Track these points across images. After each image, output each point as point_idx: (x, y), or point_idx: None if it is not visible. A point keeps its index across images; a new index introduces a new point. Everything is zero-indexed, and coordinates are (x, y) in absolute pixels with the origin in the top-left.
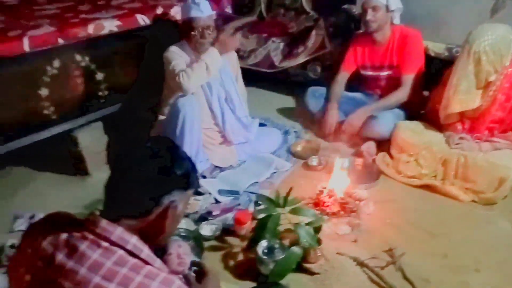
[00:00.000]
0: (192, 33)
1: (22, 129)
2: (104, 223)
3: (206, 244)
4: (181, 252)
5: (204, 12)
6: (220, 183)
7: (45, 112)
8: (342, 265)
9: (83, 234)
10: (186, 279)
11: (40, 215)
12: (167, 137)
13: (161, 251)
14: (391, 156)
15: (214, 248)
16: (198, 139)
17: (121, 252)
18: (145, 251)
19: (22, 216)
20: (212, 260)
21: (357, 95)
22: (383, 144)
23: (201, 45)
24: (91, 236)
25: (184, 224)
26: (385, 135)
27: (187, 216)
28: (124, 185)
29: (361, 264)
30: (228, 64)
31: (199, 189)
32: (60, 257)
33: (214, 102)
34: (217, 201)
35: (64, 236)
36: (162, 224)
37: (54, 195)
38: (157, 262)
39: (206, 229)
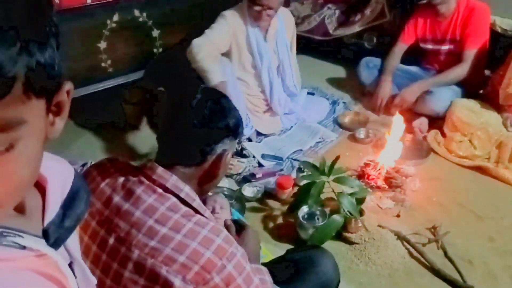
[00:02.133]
0: (255, 8)
1: (82, 79)
2: (160, 170)
3: (248, 205)
4: (217, 206)
5: None
6: (265, 147)
7: (103, 64)
8: (383, 238)
9: (139, 178)
10: None
11: (92, 163)
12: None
13: None
14: (443, 134)
15: (255, 209)
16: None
17: (174, 199)
18: (197, 201)
19: (76, 163)
20: (253, 221)
21: (413, 68)
22: (436, 122)
23: (256, 19)
24: (147, 182)
25: (227, 184)
26: (440, 111)
27: (230, 176)
28: (178, 132)
29: (402, 238)
30: (285, 30)
31: (244, 152)
32: (117, 199)
33: (263, 72)
34: (260, 165)
35: (121, 179)
36: (215, 172)
37: (105, 146)
38: (207, 212)
39: (249, 191)
